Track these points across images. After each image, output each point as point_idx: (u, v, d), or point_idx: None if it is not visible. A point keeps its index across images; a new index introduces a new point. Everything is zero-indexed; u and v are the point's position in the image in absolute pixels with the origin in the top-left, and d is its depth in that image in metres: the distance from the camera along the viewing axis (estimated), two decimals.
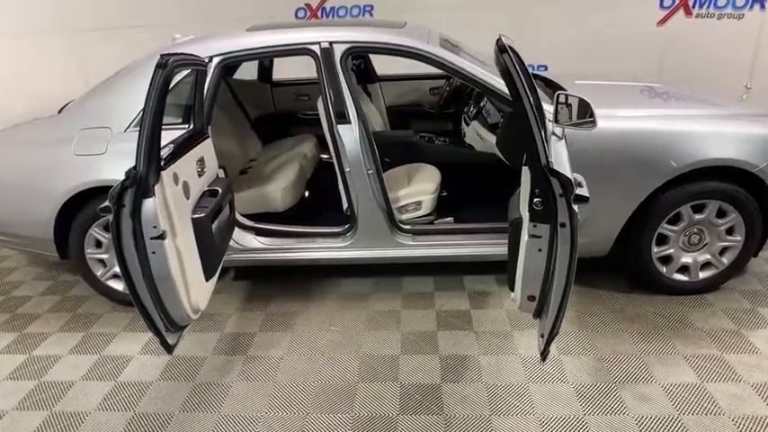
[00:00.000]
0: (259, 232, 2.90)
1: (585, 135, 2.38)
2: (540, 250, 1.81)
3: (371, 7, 5.40)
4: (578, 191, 1.67)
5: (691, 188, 2.54)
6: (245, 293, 3.06)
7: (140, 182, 1.88)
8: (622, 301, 2.79)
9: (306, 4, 5.48)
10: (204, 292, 2.27)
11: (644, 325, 2.59)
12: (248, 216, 2.95)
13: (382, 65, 4.16)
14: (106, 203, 1.86)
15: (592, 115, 2.06)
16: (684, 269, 2.77)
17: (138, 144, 1.88)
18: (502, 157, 2.90)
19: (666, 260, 2.75)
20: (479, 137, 3.21)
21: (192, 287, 2.12)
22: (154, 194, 1.91)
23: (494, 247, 2.80)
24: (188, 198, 2.16)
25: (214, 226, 2.32)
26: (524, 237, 1.83)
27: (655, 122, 2.49)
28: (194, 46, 2.72)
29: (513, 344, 2.50)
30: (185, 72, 2.63)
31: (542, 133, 1.63)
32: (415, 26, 2.93)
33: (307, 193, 3.45)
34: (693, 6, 4.78)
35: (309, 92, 4.15)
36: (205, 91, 2.64)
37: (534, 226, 1.77)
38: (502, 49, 1.54)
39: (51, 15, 5.50)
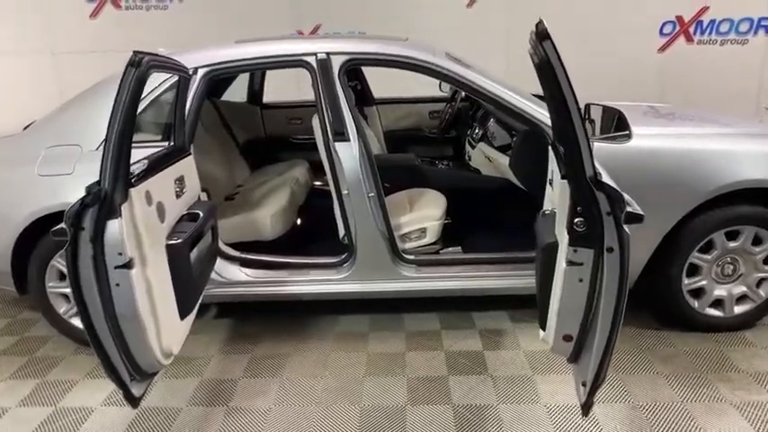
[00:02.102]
0: (245, 263, 2.58)
1: (610, 152, 2.15)
2: (580, 280, 1.52)
3: (364, 34, 5.27)
4: (629, 208, 1.40)
5: (724, 213, 2.31)
6: (227, 333, 2.71)
7: (104, 200, 1.58)
8: (652, 340, 2.50)
9: (298, 31, 5.33)
10: (178, 333, 1.93)
11: (680, 367, 2.30)
12: (234, 245, 2.64)
13: (379, 87, 3.96)
14: (61, 225, 1.56)
15: (626, 128, 1.83)
16: (718, 303, 2.50)
17: (103, 155, 1.59)
18: (515, 181, 2.65)
19: (698, 293, 2.48)
20: (488, 159, 2.98)
21: (164, 327, 1.79)
22: (120, 215, 1.61)
23: (507, 280, 2.53)
24: (163, 221, 1.86)
25: (193, 255, 2.01)
26: (561, 264, 1.55)
27: (687, 141, 2.27)
28: (178, 57, 2.46)
29: (535, 391, 2.18)
30: (167, 85, 2.38)
31: (588, 138, 1.37)
32: (419, 41, 2.72)
33: (299, 221, 3.16)
34: (695, 33, 4.71)
35: (302, 115, 3.91)
36: (188, 105, 2.38)
37: (575, 251, 1.49)
38: (542, 35, 1.29)
39: (38, 37, 5.24)
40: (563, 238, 1.53)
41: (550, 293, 1.64)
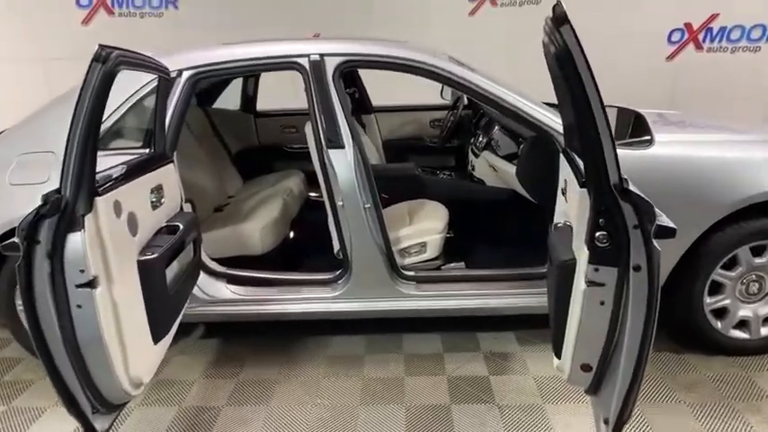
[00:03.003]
0: (231, 279, 2.40)
1: (629, 160, 1.97)
2: (602, 303, 1.34)
3: None
4: (659, 221, 1.22)
5: (750, 226, 2.13)
6: (213, 355, 2.52)
7: (65, 210, 1.41)
8: (672, 365, 2.30)
9: None
10: (150, 360, 1.74)
11: (705, 395, 2.10)
12: (221, 260, 2.46)
13: (377, 95, 3.81)
14: (13, 239, 1.38)
15: (646, 132, 1.66)
16: (743, 324, 2.30)
17: (64, 159, 1.42)
18: (522, 191, 2.47)
19: (721, 313, 2.29)
20: (493, 168, 2.80)
21: (134, 353, 1.60)
22: (83, 228, 1.43)
23: (514, 298, 2.34)
24: (134, 234, 1.68)
25: (170, 271, 1.83)
26: (579, 285, 1.37)
27: (712, 148, 2.10)
28: (162, 59, 2.30)
29: (547, 422, 1.98)
30: (149, 88, 2.22)
31: (613, 140, 1.20)
32: (418, 43, 2.57)
33: (291, 234, 2.98)
34: (704, 41, 4.55)
35: (297, 123, 3.75)
36: (171, 109, 2.22)
37: (595, 270, 1.31)
38: (560, 20, 1.12)
39: (28, 43, 5.09)
40: (582, 254, 1.34)
41: (566, 317, 1.45)
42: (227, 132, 3.59)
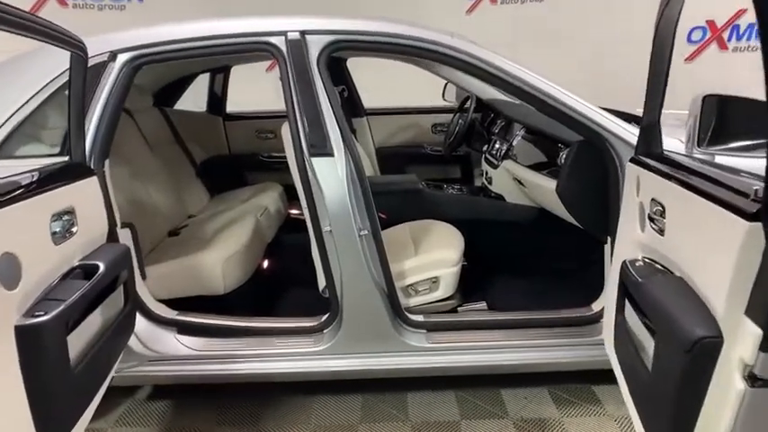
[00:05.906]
0: (184, 329, 1.83)
1: None
2: None
3: None
4: None
5: None
6: (161, 427, 1.92)
7: None
8: None
9: None
10: None
11: None
12: (172, 302, 1.89)
13: (370, 94, 3.28)
14: None
15: None
16: None
17: None
18: (561, 211, 1.94)
19: None
20: (517, 182, 2.27)
21: None
22: None
23: (554, 351, 1.84)
24: (13, 287, 1.10)
25: (77, 336, 1.24)
26: (733, 381, 0.83)
27: None
28: (90, 38, 1.73)
29: None
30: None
31: None
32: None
33: (266, 264, 2.42)
34: (729, 39, 4.13)
35: (275, 128, 3.19)
36: (101, 104, 1.66)
37: None
38: None
39: None
40: (740, 332, 0.81)
41: (693, 424, 0.91)
42: (191, 138, 3.02)
